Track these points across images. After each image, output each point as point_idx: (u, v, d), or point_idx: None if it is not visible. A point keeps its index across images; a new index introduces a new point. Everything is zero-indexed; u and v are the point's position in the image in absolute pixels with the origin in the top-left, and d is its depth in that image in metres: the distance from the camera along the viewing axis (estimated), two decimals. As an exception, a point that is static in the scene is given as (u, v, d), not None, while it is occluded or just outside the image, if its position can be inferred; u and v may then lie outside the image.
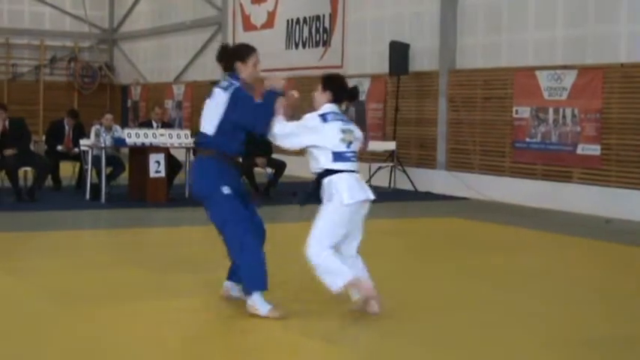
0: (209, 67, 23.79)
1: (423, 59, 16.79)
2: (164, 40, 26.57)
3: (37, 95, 28.08)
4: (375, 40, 18.00)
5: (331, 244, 6.55)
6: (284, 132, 6.67)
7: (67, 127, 15.37)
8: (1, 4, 27.73)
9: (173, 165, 14.27)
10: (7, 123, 13.60)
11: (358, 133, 6.83)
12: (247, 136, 6.75)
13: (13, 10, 28.00)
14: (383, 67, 17.16)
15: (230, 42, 22.65)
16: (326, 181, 6.61)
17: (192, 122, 23.28)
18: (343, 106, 6.94)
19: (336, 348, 5.89)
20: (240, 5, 22.41)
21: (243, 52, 6.83)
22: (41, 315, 6.52)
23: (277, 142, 6.75)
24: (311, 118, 6.74)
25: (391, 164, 16.70)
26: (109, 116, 14.76)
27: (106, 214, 12.79)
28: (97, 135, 14.24)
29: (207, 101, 6.71)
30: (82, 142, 14.52)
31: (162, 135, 13.83)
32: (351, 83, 7.22)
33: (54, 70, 28.78)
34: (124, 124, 23.13)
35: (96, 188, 13.80)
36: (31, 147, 14.43)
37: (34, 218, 11.89)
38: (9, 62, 28.06)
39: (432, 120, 16.59)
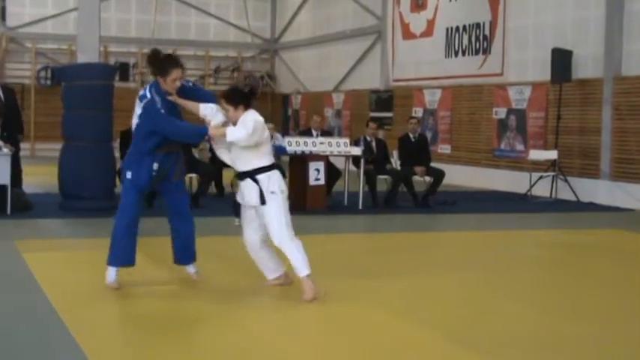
0: (368, 76, 23.95)
1: (586, 66, 16.38)
2: (324, 49, 26.90)
3: (201, 104, 28.89)
4: (536, 47, 17.68)
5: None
6: (248, 131, 7.21)
7: (230, 136, 15.75)
8: (169, 17, 28.74)
9: (332, 173, 14.44)
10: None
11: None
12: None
13: (180, 23, 29.00)
14: (545, 74, 16.84)
15: (389, 51, 22.76)
16: (264, 176, 7.38)
17: (351, 130, 23.49)
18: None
19: None
20: (400, 14, 22.45)
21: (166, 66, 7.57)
22: (207, 316, 6.75)
23: (243, 142, 7.28)
24: (254, 116, 7.35)
25: (553, 174, 16.37)
26: (270, 125, 14.99)
27: (267, 221, 13.02)
28: (259, 143, 14.54)
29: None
30: (245, 150, 14.85)
31: (321, 143, 14.02)
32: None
33: (218, 79, 29.61)
34: (285, 133, 23.53)
35: (257, 195, 14.08)
36: (196, 155, 14.86)
37: (198, 224, 12.21)
38: (176, 72, 29.02)
39: (596, 128, 16.15)
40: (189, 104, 7.64)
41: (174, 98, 7.56)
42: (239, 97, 7.39)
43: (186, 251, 7.93)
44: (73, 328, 6.18)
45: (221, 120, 7.50)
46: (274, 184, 7.40)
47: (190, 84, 7.99)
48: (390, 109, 22.79)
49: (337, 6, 26.03)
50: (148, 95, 7.47)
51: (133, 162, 7.60)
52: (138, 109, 7.53)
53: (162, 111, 7.41)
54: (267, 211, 7.34)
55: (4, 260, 9.01)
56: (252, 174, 7.39)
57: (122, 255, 7.56)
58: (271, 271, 7.76)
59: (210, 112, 7.56)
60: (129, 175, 7.56)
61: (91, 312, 6.83)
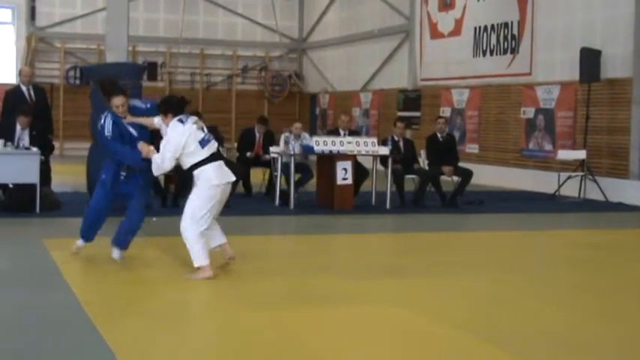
0: (396, 75, 23.92)
1: (615, 65, 16.26)
2: (352, 48, 26.89)
3: (229, 103, 29.03)
4: (565, 46, 17.58)
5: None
6: (165, 159, 7.93)
7: (257, 135, 15.77)
8: (197, 16, 28.83)
9: (360, 172, 14.43)
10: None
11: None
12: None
13: (208, 22, 29.09)
14: (573, 74, 16.74)
15: (417, 50, 22.71)
16: (197, 171, 7.97)
17: (379, 130, 23.46)
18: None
19: None
20: (428, 13, 22.40)
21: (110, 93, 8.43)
22: (230, 318, 6.76)
23: (172, 165, 8.04)
24: (172, 128, 7.96)
25: (581, 173, 16.26)
26: (298, 124, 15.05)
27: (294, 220, 13.05)
28: (287, 142, 14.55)
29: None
30: (272, 149, 14.87)
31: (349, 143, 14.01)
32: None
33: (245, 79, 29.68)
34: (313, 132, 23.54)
35: (285, 195, 14.12)
36: (224, 154, 14.87)
37: (226, 223, 12.24)
38: (203, 72, 29.18)
39: (625, 128, 16.03)
40: (143, 120, 8.47)
41: (129, 120, 8.40)
42: (166, 106, 8.19)
43: (126, 236, 8.73)
44: (100, 325, 6.21)
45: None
46: (203, 176, 8.01)
47: (148, 105, 8.74)
48: (417, 109, 22.74)
49: (365, 5, 26.00)
50: (102, 121, 8.43)
51: (106, 168, 8.66)
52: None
53: (109, 135, 8.33)
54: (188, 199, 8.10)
55: (33, 258, 9.08)
56: (190, 170, 8.08)
57: (90, 232, 8.79)
58: (212, 239, 8.37)
59: (159, 122, 8.34)
60: (104, 176, 8.66)
61: (119, 309, 6.86)
